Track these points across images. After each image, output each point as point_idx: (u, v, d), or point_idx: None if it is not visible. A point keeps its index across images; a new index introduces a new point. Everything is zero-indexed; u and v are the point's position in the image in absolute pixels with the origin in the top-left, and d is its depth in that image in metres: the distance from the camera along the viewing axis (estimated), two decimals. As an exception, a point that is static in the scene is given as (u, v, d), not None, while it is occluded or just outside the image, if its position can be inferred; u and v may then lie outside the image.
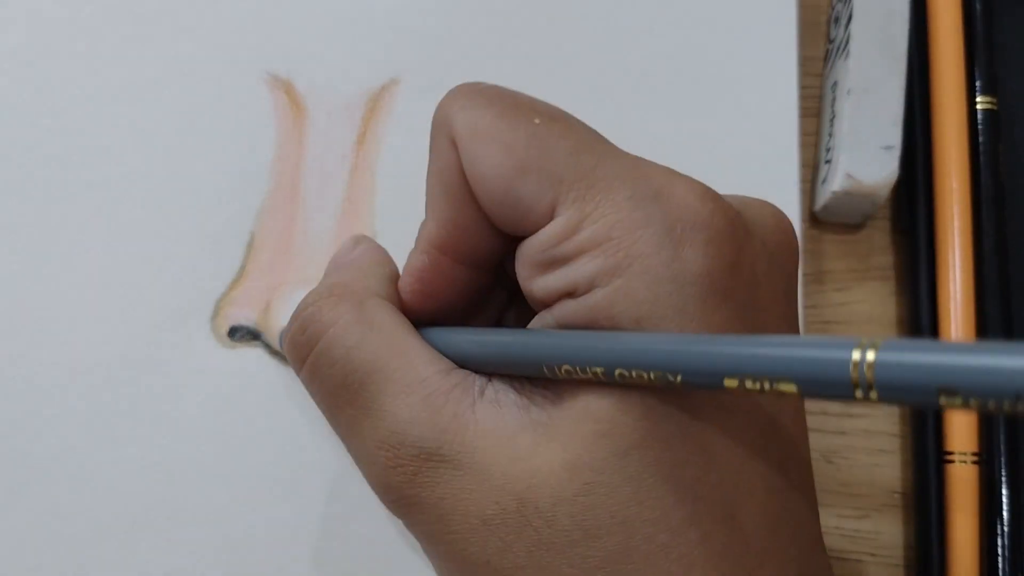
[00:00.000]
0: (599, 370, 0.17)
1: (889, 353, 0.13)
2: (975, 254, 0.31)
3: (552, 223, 0.19)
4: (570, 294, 0.19)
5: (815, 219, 0.33)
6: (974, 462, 0.29)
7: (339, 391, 0.20)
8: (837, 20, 0.34)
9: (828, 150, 0.33)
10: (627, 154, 0.20)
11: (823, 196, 0.32)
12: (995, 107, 0.33)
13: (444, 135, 0.20)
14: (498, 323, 0.23)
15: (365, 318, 0.20)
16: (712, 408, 0.18)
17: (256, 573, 0.28)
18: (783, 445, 0.19)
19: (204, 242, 0.31)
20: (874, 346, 0.14)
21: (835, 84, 0.33)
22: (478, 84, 0.21)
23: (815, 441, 0.31)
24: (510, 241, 0.20)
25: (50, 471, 0.28)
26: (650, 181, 0.19)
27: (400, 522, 0.21)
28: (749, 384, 0.15)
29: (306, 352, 0.21)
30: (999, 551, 0.29)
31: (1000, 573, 0.28)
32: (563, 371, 0.18)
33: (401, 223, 0.31)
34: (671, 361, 0.16)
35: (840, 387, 0.14)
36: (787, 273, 0.20)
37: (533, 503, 0.18)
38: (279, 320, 0.30)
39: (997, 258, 0.31)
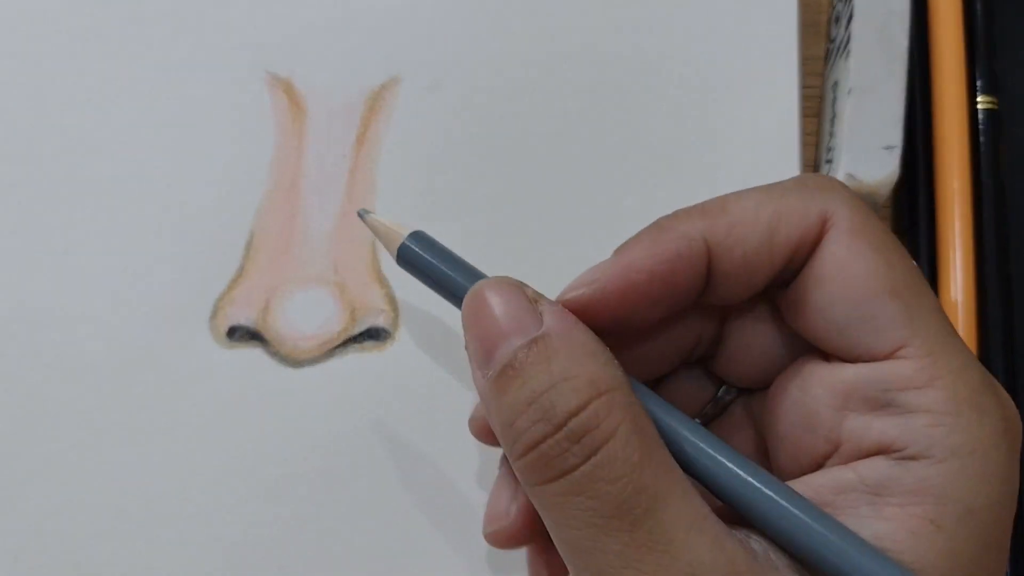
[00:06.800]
0: None
1: None
2: (976, 254, 0.31)
3: (898, 362, 0.17)
4: (889, 451, 0.17)
5: (816, 219, 0.33)
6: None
7: (618, 513, 0.17)
8: (838, 20, 0.34)
9: (829, 150, 0.32)
10: None
11: (824, 196, 0.32)
12: (996, 107, 0.33)
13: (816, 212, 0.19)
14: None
15: (640, 427, 0.18)
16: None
17: (255, 573, 0.28)
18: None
19: (204, 242, 0.31)
20: None
21: (836, 84, 0.33)
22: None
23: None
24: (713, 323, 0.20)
25: (50, 470, 0.28)
26: (983, 372, 0.18)
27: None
28: None
29: (577, 463, 0.17)
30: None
31: (1001, 573, 0.28)
32: None
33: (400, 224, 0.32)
34: None
35: None
36: None
37: None
38: (278, 320, 0.30)
39: (998, 258, 0.31)
